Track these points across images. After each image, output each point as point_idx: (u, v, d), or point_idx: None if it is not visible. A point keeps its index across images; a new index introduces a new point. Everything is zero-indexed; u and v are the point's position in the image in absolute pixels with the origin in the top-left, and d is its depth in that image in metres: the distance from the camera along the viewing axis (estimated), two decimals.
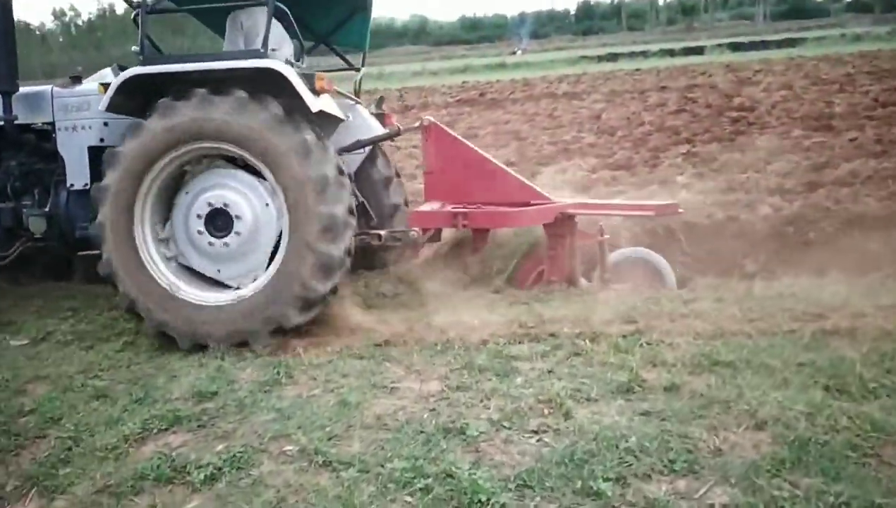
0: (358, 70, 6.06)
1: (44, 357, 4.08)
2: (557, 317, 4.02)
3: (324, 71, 5.96)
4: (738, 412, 2.83)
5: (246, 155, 4.03)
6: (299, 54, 5.36)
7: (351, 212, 4.21)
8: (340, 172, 4.18)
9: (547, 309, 4.25)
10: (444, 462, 2.59)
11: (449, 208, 4.93)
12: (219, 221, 4.15)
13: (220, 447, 2.85)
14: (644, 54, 39.65)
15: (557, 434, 2.76)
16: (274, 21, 4.50)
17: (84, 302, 5.03)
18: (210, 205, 4.14)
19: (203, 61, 4.16)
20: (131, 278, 4.09)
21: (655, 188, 7.53)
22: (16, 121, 4.98)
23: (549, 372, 3.35)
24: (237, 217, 4.11)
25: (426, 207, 5.07)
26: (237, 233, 4.12)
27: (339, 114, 4.58)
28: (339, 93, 5.42)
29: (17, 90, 5.02)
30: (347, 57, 6.13)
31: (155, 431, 3.02)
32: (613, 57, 39.66)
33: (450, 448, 2.70)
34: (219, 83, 4.02)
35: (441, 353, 3.69)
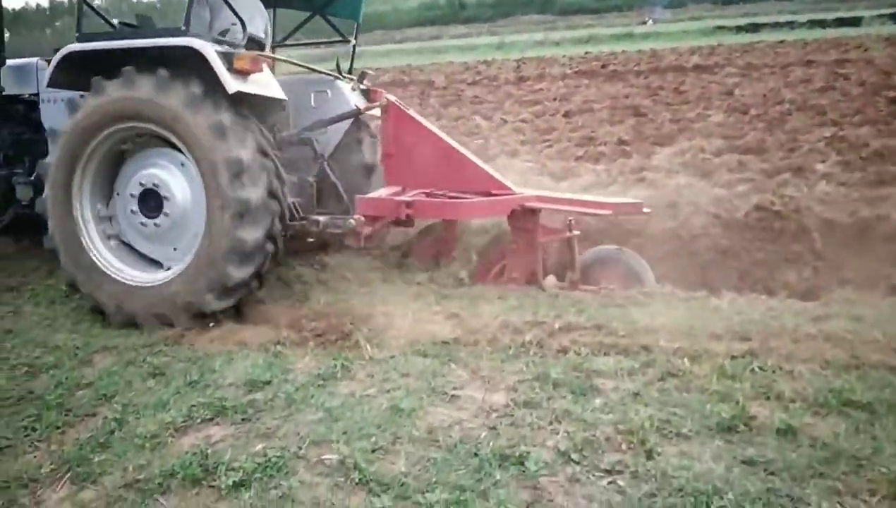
0: (348, 42, 5.76)
1: (118, 325, 4.08)
2: (654, 326, 3.49)
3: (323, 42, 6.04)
4: (873, 474, 2.25)
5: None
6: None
7: (272, 195, 4.10)
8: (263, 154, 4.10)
9: (643, 314, 3.71)
10: (494, 497, 2.22)
11: (395, 196, 4.62)
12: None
13: (258, 446, 2.63)
14: (790, 25, 36.21)
15: (635, 479, 2.30)
16: None
17: None
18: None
19: (131, 38, 4.16)
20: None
21: (788, 176, 6.61)
22: (3, 92, 5.29)
23: (636, 395, 2.86)
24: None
25: (376, 193, 4.74)
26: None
27: (270, 92, 4.26)
28: (311, 69, 5.23)
29: (4, 63, 5.37)
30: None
31: (198, 421, 2.86)
32: (754, 28, 36.57)
33: (504, 481, 2.32)
34: (148, 60, 3.97)
35: (513, 358, 3.29)
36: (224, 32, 4.42)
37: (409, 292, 4.18)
